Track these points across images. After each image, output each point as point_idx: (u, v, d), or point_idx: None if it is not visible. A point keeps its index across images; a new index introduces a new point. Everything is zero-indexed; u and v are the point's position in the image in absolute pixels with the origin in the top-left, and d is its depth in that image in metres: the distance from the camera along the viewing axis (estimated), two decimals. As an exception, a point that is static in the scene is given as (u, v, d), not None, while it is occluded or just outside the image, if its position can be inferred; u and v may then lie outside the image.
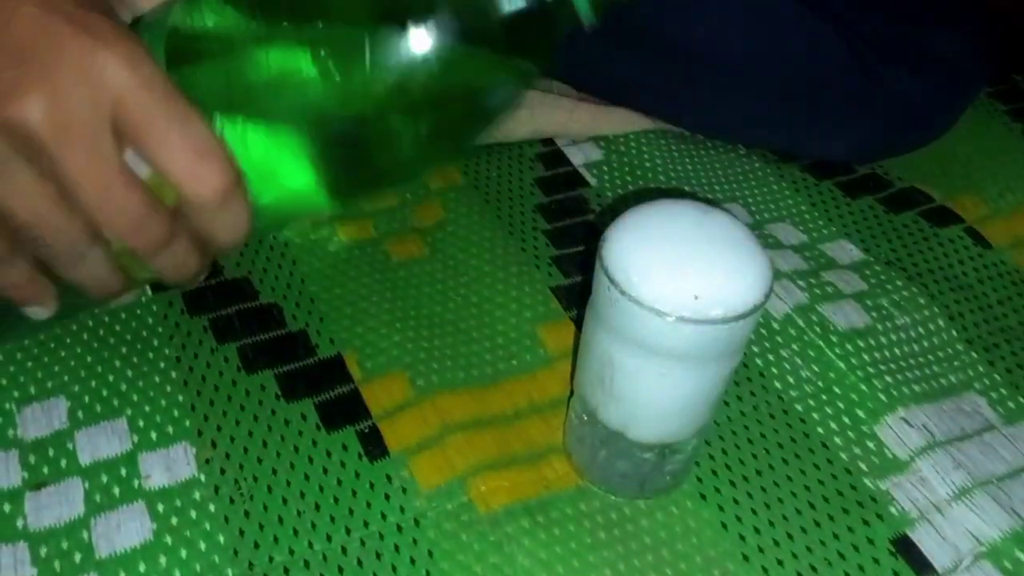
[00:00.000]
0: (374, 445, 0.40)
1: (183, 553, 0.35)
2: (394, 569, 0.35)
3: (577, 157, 0.56)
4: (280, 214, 0.33)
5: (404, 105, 0.29)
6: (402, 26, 0.28)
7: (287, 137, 0.29)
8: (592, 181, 0.54)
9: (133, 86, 0.25)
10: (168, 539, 0.36)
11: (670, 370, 0.31)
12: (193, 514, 0.37)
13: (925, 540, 0.37)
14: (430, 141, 0.31)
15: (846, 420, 0.42)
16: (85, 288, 0.30)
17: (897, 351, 0.45)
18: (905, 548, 0.37)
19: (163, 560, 0.35)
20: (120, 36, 0.26)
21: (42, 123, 0.25)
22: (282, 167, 0.30)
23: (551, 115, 0.57)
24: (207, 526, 0.36)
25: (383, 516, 0.37)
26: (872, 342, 0.45)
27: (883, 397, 0.43)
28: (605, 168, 0.55)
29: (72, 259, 0.28)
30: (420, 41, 0.28)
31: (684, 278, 0.30)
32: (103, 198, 0.26)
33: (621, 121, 0.58)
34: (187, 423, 0.40)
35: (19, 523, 0.36)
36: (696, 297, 0.29)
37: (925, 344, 0.45)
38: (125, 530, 0.36)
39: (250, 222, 0.29)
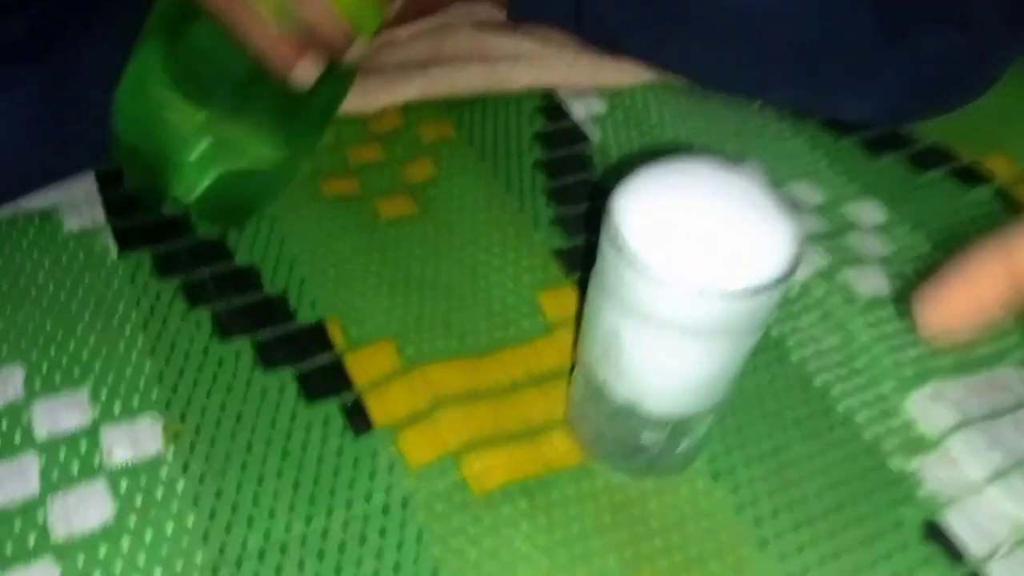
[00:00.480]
0: (359, 419, 0.36)
1: (148, 536, 0.32)
2: (380, 554, 0.32)
3: (580, 111, 0.52)
4: None
5: None
6: None
7: None
8: (596, 137, 0.50)
9: None
10: (131, 521, 0.33)
11: (685, 347, 0.28)
12: (160, 494, 0.33)
13: (958, 525, 0.34)
14: None
15: (870, 395, 0.39)
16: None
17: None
18: (936, 533, 0.34)
19: (126, 543, 0.32)
20: None
21: None
22: None
23: (551, 66, 0.53)
24: (175, 507, 0.33)
25: (368, 496, 0.34)
26: (898, 310, 0.42)
27: (911, 371, 0.39)
28: (610, 123, 0.52)
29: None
30: None
31: (703, 245, 0.26)
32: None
33: (626, 73, 0.54)
34: (154, 394, 0.36)
35: (-33, 503, 0.32)
36: (716, 267, 0.26)
37: (954, 313, 0.42)
38: (84, 511, 0.33)
39: None
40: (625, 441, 0.33)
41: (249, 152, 0.40)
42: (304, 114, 0.42)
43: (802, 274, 0.43)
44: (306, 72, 0.37)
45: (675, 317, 0.27)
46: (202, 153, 0.39)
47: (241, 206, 0.43)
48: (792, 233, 0.27)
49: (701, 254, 0.26)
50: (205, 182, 0.40)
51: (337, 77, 0.40)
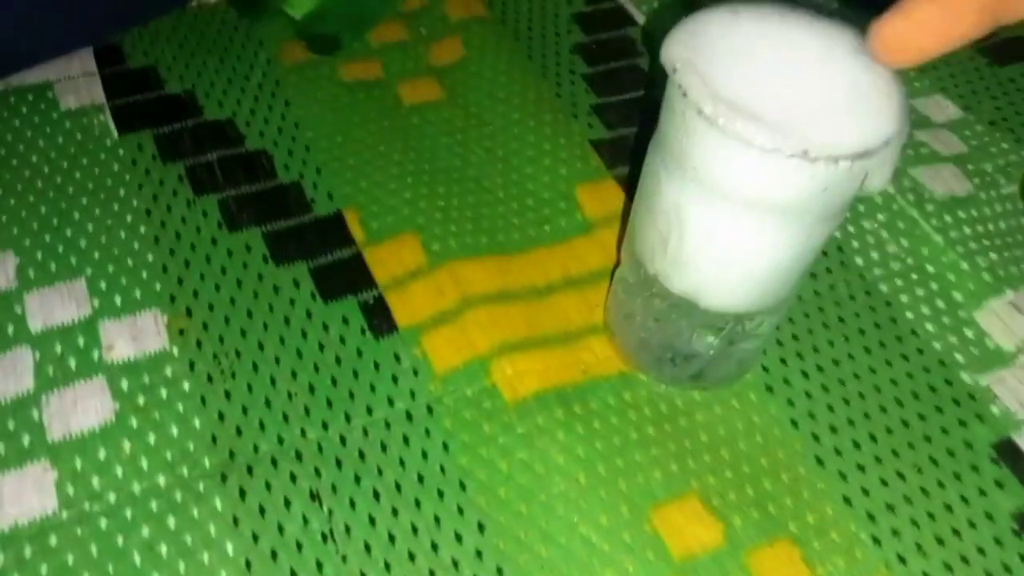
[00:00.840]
0: (380, 318, 0.33)
1: (151, 438, 0.30)
2: (402, 463, 0.30)
3: (622, -9, 0.47)
4: None
5: None
6: None
7: None
8: (640, 19, 0.46)
9: None
10: (133, 421, 0.30)
11: (760, 226, 0.24)
12: (163, 393, 0.31)
13: (1036, 446, 0.31)
14: None
15: (941, 304, 0.35)
16: None
17: (1003, 224, 0.38)
18: (1010, 453, 0.31)
19: (127, 446, 0.29)
20: None
21: None
22: None
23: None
24: (180, 408, 0.30)
25: (390, 401, 0.31)
26: (975, 213, 0.38)
27: (987, 277, 0.36)
28: (656, 3, 0.47)
29: None
30: None
31: (792, 102, 0.22)
32: None
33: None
34: (158, 287, 0.33)
35: (-45, 398, 0.30)
36: (804, 127, 0.22)
37: (1035, 218, 0.38)
38: (82, 409, 0.30)
39: None
40: (675, 346, 0.30)
41: None
42: None
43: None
44: None
45: (751, 189, 0.23)
46: None
47: (349, 23, 0.41)
48: (897, 97, 0.23)
49: (791, 112, 0.22)
50: None
51: None
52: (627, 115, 0.41)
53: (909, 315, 0.35)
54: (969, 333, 0.34)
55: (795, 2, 0.25)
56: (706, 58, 0.23)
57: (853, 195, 0.24)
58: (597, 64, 0.43)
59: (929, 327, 0.34)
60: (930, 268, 0.36)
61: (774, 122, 0.22)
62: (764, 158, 0.22)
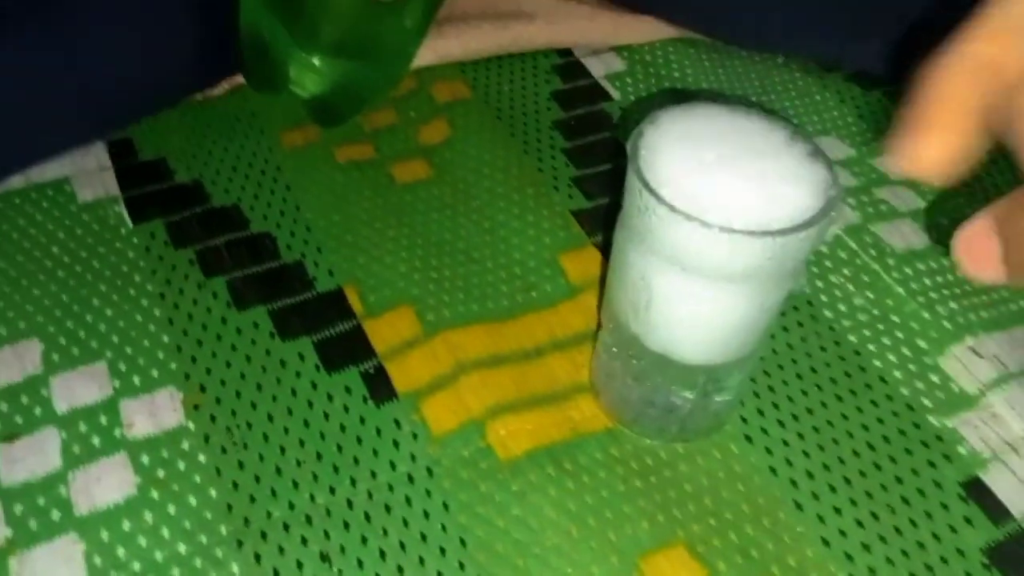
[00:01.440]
0: (380, 387, 0.36)
1: (171, 509, 0.32)
2: (405, 523, 0.32)
3: (598, 68, 0.51)
4: None
5: None
6: None
7: None
8: (615, 94, 0.49)
9: None
10: (154, 494, 0.32)
11: (718, 293, 0.27)
12: (181, 466, 0.33)
13: (1000, 483, 0.33)
14: None
15: (906, 351, 0.37)
16: None
17: (960, 274, 0.40)
18: (978, 492, 0.33)
19: (149, 517, 0.31)
20: None
21: None
22: None
23: (568, 23, 0.52)
24: (197, 479, 0.32)
25: (392, 465, 0.33)
26: (933, 264, 0.40)
27: (948, 325, 0.38)
28: (629, 80, 0.50)
29: None
30: None
31: (733, 182, 0.25)
32: None
33: (646, 29, 0.52)
34: (173, 366, 0.36)
35: (-12, 479, 0.32)
36: (747, 207, 0.25)
37: (992, 266, 0.41)
38: (106, 484, 0.32)
39: None
40: (654, 401, 0.32)
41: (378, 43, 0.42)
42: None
43: (832, 230, 0.42)
44: None
45: (706, 261, 0.26)
46: (333, 43, 0.42)
47: (351, 99, 0.45)
48: (826, 173, 0.26)
49: (731, 194, 0.25)
50: (331, 76, 0.42)
51: None
52: (605, 185, 0.44)
53: (877, 363, 0.37)
54: (934, 378, 0.37)
55: (741, 100, 0.28)
56: (663, 147, 0.26)
57: (803, 259, 0.27)
58: (575, 138, 0.46)
59: (896, 374, 0.37)
60: (895, 318, 0.39)
61: (722, 203, 0.24)
62: (714, 235, 0.24)
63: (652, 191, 0.25)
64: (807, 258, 0.27)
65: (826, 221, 0.25)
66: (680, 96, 0.48)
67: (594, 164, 0.45)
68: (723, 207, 0.25)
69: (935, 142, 0.20)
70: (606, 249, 0.40)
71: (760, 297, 0.27)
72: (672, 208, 0.25)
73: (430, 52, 0.50)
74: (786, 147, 0.27)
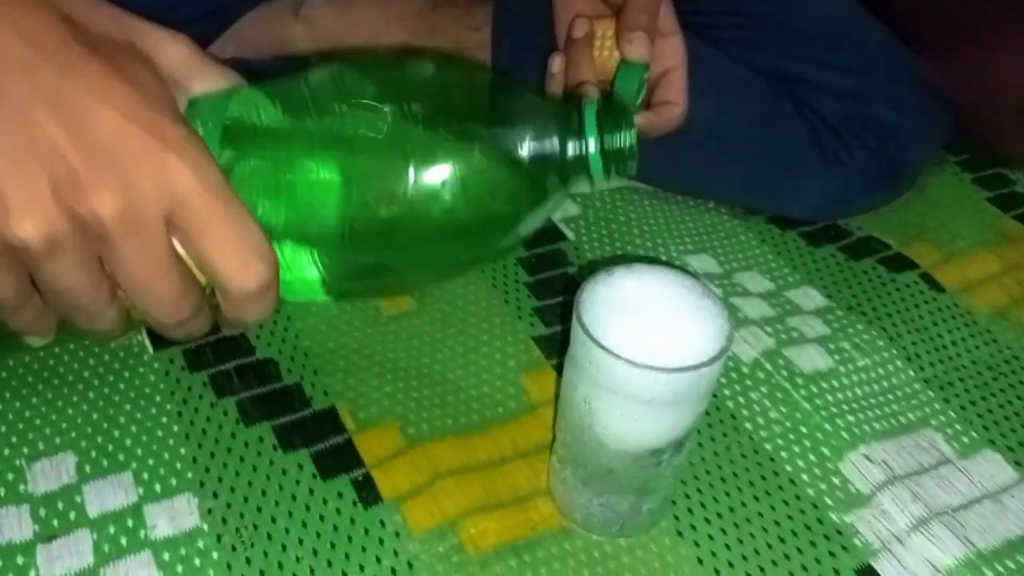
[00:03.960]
0: (368, 492, 0.42)
1: (189, 600, 0.37)
2: (390, 610, 0.37)
3: (556, 212, 0.59)
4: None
5: (424, 227, 0.33)
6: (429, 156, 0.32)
7: (313, 236, 0.32)
8: (570, 235, 0.57)
9: (196, 189, 0.29)
10: (174, 586, 0.38)
11: (645, 413, 0.34)
12: (197, 562, 0.38)
13: (888, 569, 0.40)
14: (443, 259, 0.36)
15: (812, 457, 0.45)
16: (90, 332, 0.33)
17: (859, 391, 0.48)
18: (870, 577, 0.40)
19: (170, 607, 0.37)
20: (187, 141, 0.29)
21: (112, 216, 0.28)
22: (299, 260, 0.33)
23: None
24: (211, 573, 0.38)
25: (378, 560, 0.39)
26: (835, 383, 0.48)
27: (846, 435, 0.45)
28: (583, 223, 0.58)
29: (90, 316, 0.31)
30: (445, 171, 0.32)
31: (652, 331, 0.33)
32: (147, 283, 0.30)
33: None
34: (190, 475, 0.42)
35: (32, 575, 0.37)
36: (662, 350, 0.32)
37: (885, 384, 0.48)
38: (133, 579, 0.38)
39: (276, 306, 0.32)
40: (600, 503, 0.39)
41: None
42: None
43: (751, 354, 0.49)
44: None
45: (634, 389, 0.33)
46: None
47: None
48: (724, 322, 0.33)
49: (650, 340, 0.33)
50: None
51: None
52: (561, 314, 0.51)
53: (788, 468, 0.44)
54: (835, 480, 0.44)
55: (667, 264, 0.36)
56: (602, 302, 0.34)
57: (713, 384, 0.34)
58: (536, 273, 0.54)
59: (804, 477, 0.44)
60: (803, 429, 0.46)
61: (646, 347, 0.32)
62: (640, 372, 0.32)
63: (591, 336, 0.32)
64: (713, 385, 0.34)
65: (724, 359, 0.33)
66: (623, 256, 0.57)
67: (552, 296, 0.53)
68: (647, 350, 0.32)
69: None
70: (562, 371, 0.47)
71: (679, 415, 0.35)
72: (607, 350, 0.32)
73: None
74: (697, 303, 0.34)
